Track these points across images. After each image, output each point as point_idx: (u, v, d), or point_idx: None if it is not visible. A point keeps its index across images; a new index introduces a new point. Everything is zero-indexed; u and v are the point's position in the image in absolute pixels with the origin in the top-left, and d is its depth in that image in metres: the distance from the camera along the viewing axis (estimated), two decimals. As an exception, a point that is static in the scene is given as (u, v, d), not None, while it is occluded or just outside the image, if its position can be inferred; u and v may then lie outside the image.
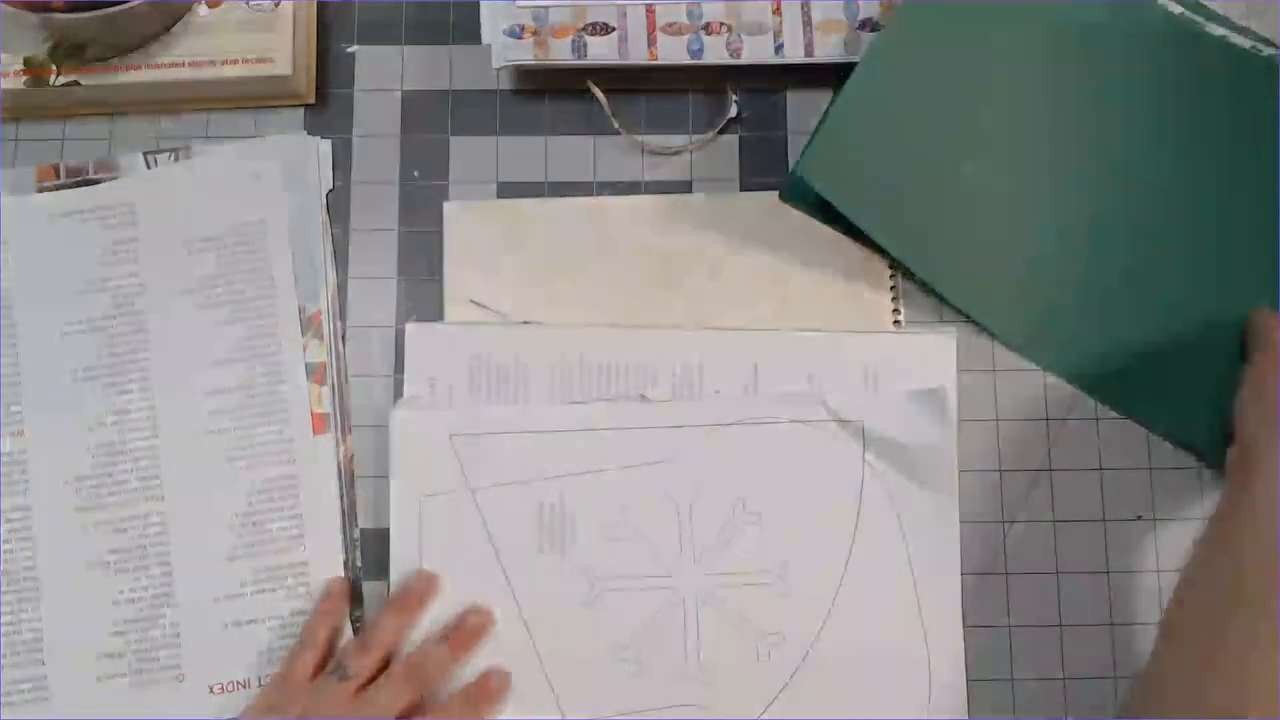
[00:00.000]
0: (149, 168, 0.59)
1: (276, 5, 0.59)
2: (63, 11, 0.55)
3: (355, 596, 0.56)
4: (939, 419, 0.56)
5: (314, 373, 0.57)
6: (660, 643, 0.55)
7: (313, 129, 0.60)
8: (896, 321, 0.59)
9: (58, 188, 0.59)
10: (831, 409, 0.57)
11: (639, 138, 0.60)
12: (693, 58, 0.58)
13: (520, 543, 0.55)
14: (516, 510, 0.56)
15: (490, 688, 0.53)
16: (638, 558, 0.55)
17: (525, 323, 0.58)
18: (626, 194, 0.60)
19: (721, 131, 0.61)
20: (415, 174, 0.60)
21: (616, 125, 0.60)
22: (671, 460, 0.56)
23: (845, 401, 0.57)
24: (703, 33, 0.58)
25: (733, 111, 0.60)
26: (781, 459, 0.56)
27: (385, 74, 0.61)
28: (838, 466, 0.56)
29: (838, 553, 0.56)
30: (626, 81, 0.61)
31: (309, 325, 0.58)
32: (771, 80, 0.61)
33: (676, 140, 0.61)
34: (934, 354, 0.58)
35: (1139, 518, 0.58)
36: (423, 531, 0.55)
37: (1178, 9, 0.60)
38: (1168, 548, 0.57)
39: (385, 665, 0.52)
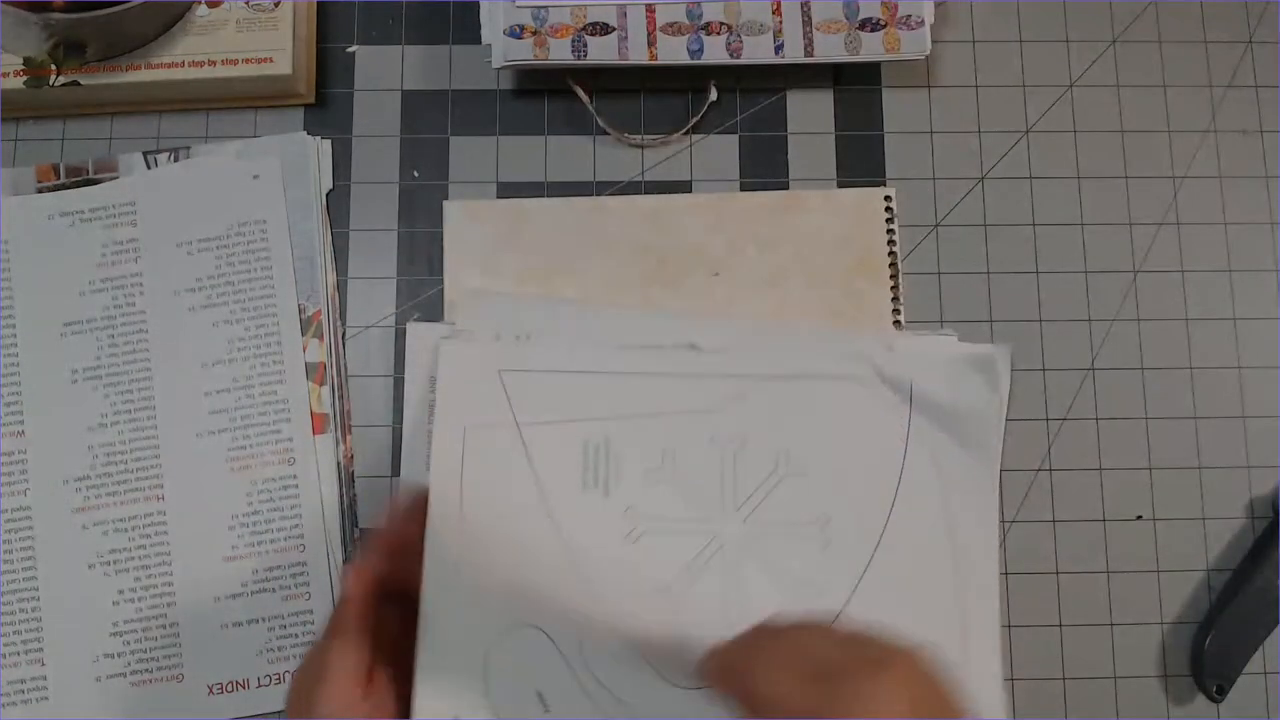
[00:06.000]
0: (149, 168, 0.59)
1: (276, 5, 0.59)
2: (63, 11, 0.55)
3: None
4: (990, 383, 0.56)
5: (314, 373, 0.57)
6: (700, 587, 0.54)
7: (313, 129, 0.60)
8: (897, 322, 0.59)
9: (58, 188, 0.59)
10: (880, 368, 0.57)
11: (628, 134, 0.60)
12: (693, 58, 0.58)
13: (564, 478, 0.55)
14: (561, 446, 0.55)
15: None
16: (679, 502, 0.55)
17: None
18: (626, 193, 0.60)
19: (702, 120, 0.61)
20: (415, 174, 0.60)
21: (601, 123, 0.60)
22: (718, 410, 0.56)
23: (895, 361, 0.57)
24: (703, 33, 0.58)
25: (713, 96, 0.60)
26: (828, 415, 0.56)
27: (385, 74, 0.61)
28: (883, 425, 0.56)
29: (879, 508, 0.55)
30: (624, 81, 0.61)
31: (309, 325, 0.58)
32: (771, 80, 0.61)
33: (672, 140, 0.61)
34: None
35: (1139, 518, 0.58)
36: (465, 458, 0.55)
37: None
38: (1168, 548, 0.57)
39: None
